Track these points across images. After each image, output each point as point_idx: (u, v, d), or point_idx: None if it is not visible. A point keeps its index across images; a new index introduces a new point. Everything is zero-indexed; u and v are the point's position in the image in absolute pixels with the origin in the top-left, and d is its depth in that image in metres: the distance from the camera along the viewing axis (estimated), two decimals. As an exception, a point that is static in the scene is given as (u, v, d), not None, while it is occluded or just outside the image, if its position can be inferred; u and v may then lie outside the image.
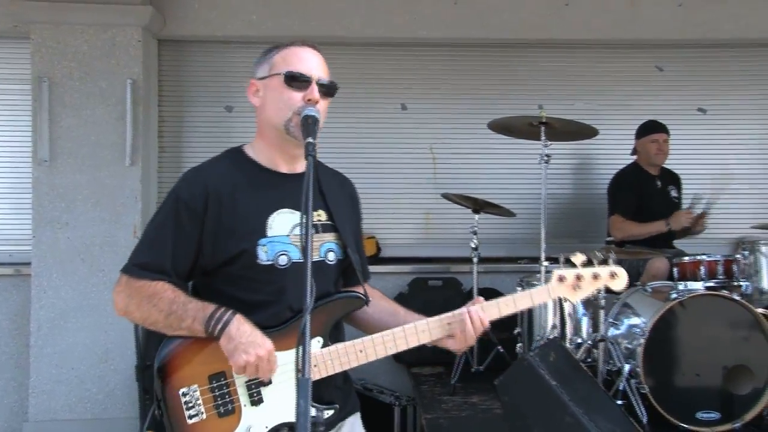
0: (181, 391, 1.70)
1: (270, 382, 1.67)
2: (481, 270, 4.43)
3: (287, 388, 1.69)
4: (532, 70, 5.21)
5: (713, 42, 5.12)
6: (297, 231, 1.73)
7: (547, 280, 1.79)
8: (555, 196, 5.03)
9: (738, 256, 4.02)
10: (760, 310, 3.71)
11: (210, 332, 1.65)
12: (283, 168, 1.85)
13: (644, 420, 3.45)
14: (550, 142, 3.92)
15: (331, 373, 1.73)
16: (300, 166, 1.82)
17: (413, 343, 1.77)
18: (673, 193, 4.72)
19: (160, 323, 1.71)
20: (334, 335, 1.80)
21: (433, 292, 4.78)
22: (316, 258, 1.78)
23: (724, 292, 3.78)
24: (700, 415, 3.54)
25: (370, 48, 5.15)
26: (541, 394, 2.85)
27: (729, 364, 3.61)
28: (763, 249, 3.96)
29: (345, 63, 4.97)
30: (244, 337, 1.63)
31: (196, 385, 1.70)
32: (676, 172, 4.82)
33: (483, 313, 1.79)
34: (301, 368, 1.34)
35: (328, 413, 1.76)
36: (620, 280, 1.86)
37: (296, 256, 1.75)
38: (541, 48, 5.19)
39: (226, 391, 1.70)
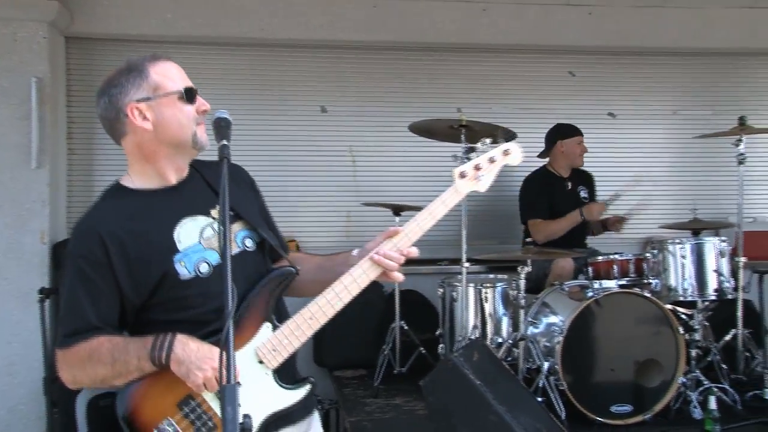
0: (156, 430, 1.67)
1: (240, 384, 1.65)
2: (403, 272, 4.45)
3: (257, 381, 1.71)
4: (451, 73, 5.30)
5: (623, 49, 5.36)
6: (206, 234, 1.75)
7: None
8: (475, 198, 5.09)
9: (647, 254, 4.19)
10: (668, 306, 3.91)
11: (158, 363, 1.63)
12: (173, 180, 1.82)
13: (563, 415, 3.56)
14: (469, 144, 3.94)
15: (291, 351, 1.75)
16: (185, 172, 1.84)
17: (356, 291, 1.79)
18: (583, 194, 4.87)
19: (110, 375, 1.68)
20: (278, 314, 1.81)
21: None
22: (236, 251, 1.78)
23: (636, 290, 3.96)
24: (614, 408, 3.70)
25: (289, 49, 5.10)
26: (466, 393, 2.88)
27: (640, 359, 3.78)
28: (671, 248, 4.11)
29: (263, 64, 4.93)
30: (192, 354, 1.62)
31: (168, 418, 1.67)
32: (589, 171, 5.01)
33: (404, 239, 1.82)
34: (226, 376, 1.34)
35: (299, 395, 1.78)
36: (514, 153, 1.88)
37: (215, 259, 1.74)
38: (459, 52, 5.28)
39: (200, 411, 1.68)
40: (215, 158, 1.58)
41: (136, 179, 1.81)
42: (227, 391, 1.32)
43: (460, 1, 5.05)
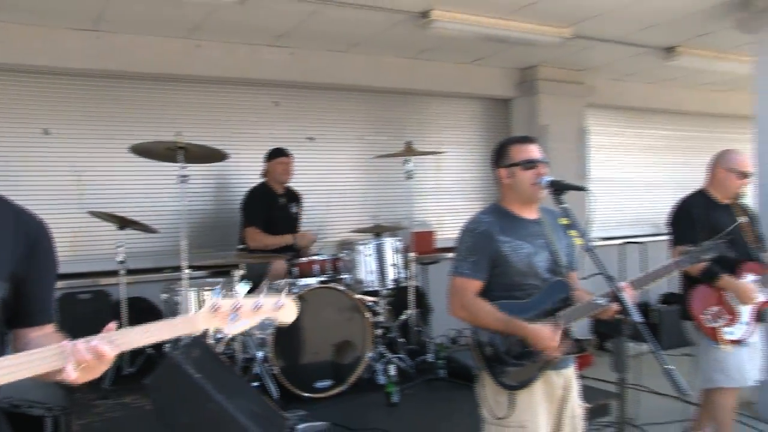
0: None
1: None
2: (130, 281, 4.66)
3: None
4: (171, 101, 5.56)
5: (318, 84, 6.07)
6: None
7: (201, 306, 1.54)
8: (194, 212, 5.43)
9: (342, 254, 4.89)
10: (358, 296, 4.59)
11: None
12: None
13: (276, 396, 4.03)
14: (187, 165, 4.29)
15: None
16: None
17: (27, 374, 1.50)
18: (293, 209, 5.41)
19: None
20: None
21: (82, 305, 4.83)
22: None
23: (333, 284, 4.55)
24: (318, 384, 4.28)
25: (10, 74, 4.99)
26: (187, 387, 3.03)
27: (337, 341, 4.40)
28: (359, 248, 4.83)
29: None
30: None
31: None
32: (295, 188, 5.53)
33: (105, 345, 1.50)
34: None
35: None
36: (288, 309, 1.58)
37: None
38: (179, 82, 5.57)
39: None
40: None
41: None
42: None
43: (177, 37, 5.32)
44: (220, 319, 1.53)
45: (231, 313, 1.53)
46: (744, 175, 3.72)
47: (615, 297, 2.32)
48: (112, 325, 1.56)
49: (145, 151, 4.47)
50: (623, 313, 2.29)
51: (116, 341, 1.53)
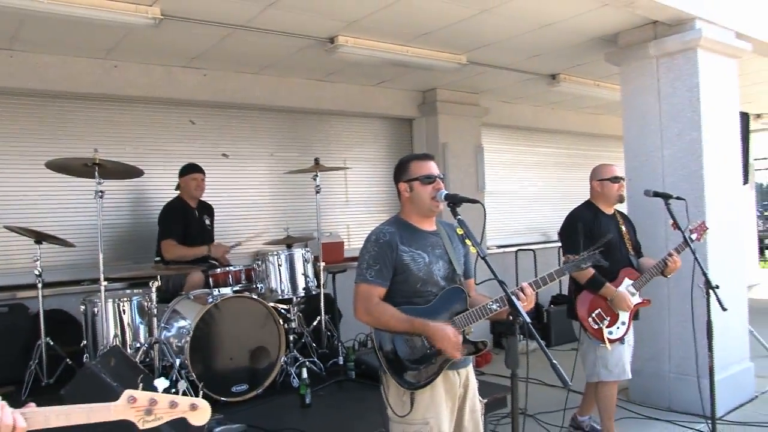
0: None
1: None
2: (48, 293, 4.69)
3: None
4: (88, 118, 5.60)
5: (231, 104, 6.24)
6: None
7: (116, 398, 1.54)
8: (111, 226, 5.49)
9: (255, 265, 5.05)
10: (271, 304, 4.73)
11: None
12: None
13: None
14: (103, 180, 4.32)
15: None
16: None
17: None
18: (207, 221, 5.54)
19: None
20: None
21: (0, 318, 4.78)
22: None
23: (247, 294, 4.70)
24: (235, 388, 4.38)
25: None
26: (104, 395, 2.78)
27: (252, 347, 4.53)
28: (271, 258, 5.00)
29: None
30: None
31: None
32: (210, 203, 5.69)
33: (21, 419, 1.49)
34: None
35: None
36: (202, 412, 1.60)
37: None
38: (95, 100, 5.60)
39: None
40: None
41: None
42: None
43: (94, 57, 5.39)
44: (135, 413, 1.54)
45: (147, 407, 1.54)
46: (616, 179, 4.22)
47: (508, 300, 2.43)
48: (32, 405, 1.55)
49: (61, 167, 4.48)
50: (514, 314, 2.39)
51: (31, 419, 1.51)
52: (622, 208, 4.49)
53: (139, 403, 1.54)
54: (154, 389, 1.63)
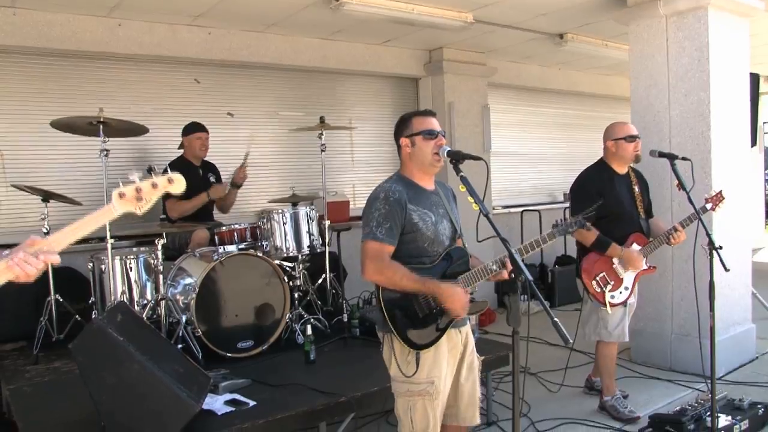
0: None
1: None
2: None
3: None
4: (92, 77, 5.57)
5: (236, 63, 6.19)
6: None
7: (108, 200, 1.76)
8: (117, 184, 5.44)
9: (260, 223, 5.04)
10: (276, 262, 4.76)
11: None
12: None
13: (199, 356, 4.17)
14: (108, 139, 4.36)
15: None
16: None
17: None
18: (212, 179, 5.52)
19: None
20: None
21: None
22: None
23: (252, 251, 4.72)
24: (240, 344, 4.43)
25: None
26: (111, 349, 3.06)
27: (257, 304, 4.56)
28: (275, 217, 4.98)
29: None
30: None
31: None
32: (213, 161, 5.66)
33: (45, 247, 1.71)
34: None
35: None
36: (178, 182, 1.83)
37: None
38: (100, 59, 5.57)
39: None
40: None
41: None
42: None
43: (98, 15, 5.34)
44: (129, 203, 1.76)
45: (136, 195, 1.76)
46: (632, 138, 4.15)
47: (510, 258, 2.39)
48: (35, 239, 1.73)
49: (65, 126, 4.49)
50: (516, 272, 2.36)
51: (53, 243, 1.73)
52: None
53: (129, 195, 1.75)
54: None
